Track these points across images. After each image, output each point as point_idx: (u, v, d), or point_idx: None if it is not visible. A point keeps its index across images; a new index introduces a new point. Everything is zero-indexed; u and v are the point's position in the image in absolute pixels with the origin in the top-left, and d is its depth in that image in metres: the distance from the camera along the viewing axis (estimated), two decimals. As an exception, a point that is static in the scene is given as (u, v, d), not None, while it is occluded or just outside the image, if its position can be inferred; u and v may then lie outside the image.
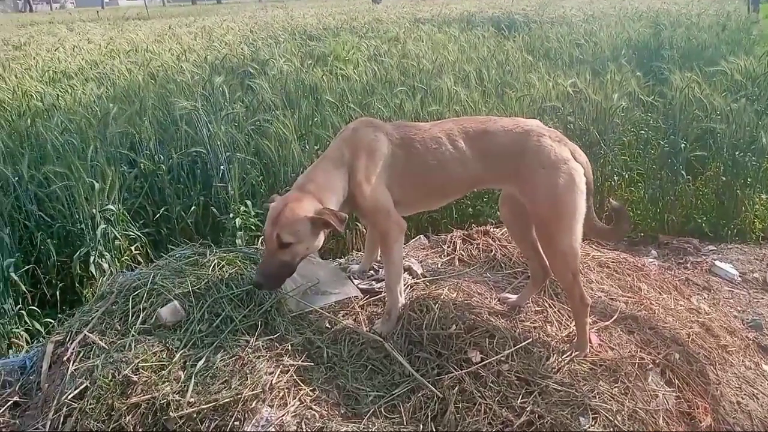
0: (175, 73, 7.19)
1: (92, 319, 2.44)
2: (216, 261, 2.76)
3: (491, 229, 3.46)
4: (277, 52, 8.50)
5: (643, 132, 6.03)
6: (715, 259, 4.78)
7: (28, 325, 3.76)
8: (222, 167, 4.82)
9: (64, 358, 2.30)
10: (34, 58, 9.59)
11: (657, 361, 2.65)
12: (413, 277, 2.99)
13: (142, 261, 4.48)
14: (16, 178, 4.32)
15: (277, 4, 29.29)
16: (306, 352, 2.46)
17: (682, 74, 6.41)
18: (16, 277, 3.75)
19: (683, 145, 5.48)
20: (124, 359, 2.26)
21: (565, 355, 2.51)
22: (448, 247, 3.35)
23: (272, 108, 5.74)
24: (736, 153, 5.42)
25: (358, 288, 2.94)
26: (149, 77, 7.17)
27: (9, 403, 2.33)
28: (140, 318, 2.42)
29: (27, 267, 4.03)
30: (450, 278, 2.98)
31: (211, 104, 5.66)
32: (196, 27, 14.41)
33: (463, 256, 3.26)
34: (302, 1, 36.22)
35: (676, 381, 2.62)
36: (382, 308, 2.76)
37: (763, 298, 4.23)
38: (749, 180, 5.39)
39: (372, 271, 3.09)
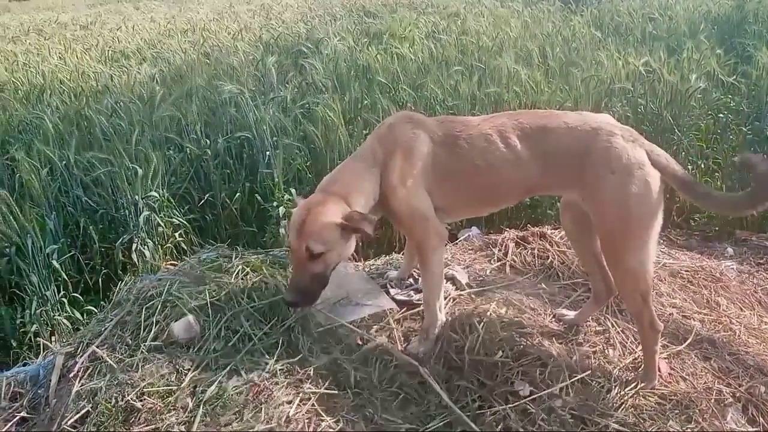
0: (229, 53, 7.08)
1: (104, 330, 2.31)
2: (240, 267, 2.57)
3: (548, 232, 3.13)
4: (332, 30, 8.26)
5: (722, 116, 5.48)
6: (803, 259, 4.31)
7: (69, 314, 3.71)
8: (268, 153, 4.66)
9: (71, 375, 2.17)
10: (96, 37, 9.71)
11: (738, 395, 2.31)
12: (457, 288, 2.72)
13: (186, 248, 4.40)
14: (63, 162, 4.30)
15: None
16: (331, 375, 2.23)
17: (768, 51, 5.80)
18: (57, 264, 3.71)
19: (768, 131, 4.95)
20: (129, 381, 2.09)
21: (629, 388, 2.20)
22: (499, 250, 3.04)
23: (322, 90, 5.54)
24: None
25: (394, 299, 2.70)
26: (203, 57, 7.08)
27: (16, 418, 2.22)
28: (152, 333, 2.26)
29: (72, 253, 4.01)
30: (499, 289, 2.69)
31: (261, 85, 5.52)
32: (256, 4, 14.31)
33: (515, 262, 2.96)
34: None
35: (761, 419, 2.27)
36: (421, 323, 2.50)
37: None
38: None
39: (411, 280, 2.84)
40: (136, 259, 4.04)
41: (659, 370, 2.30)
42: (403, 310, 2.64)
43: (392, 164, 2.38)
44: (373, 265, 3.14)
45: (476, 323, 2.37)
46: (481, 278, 2.82)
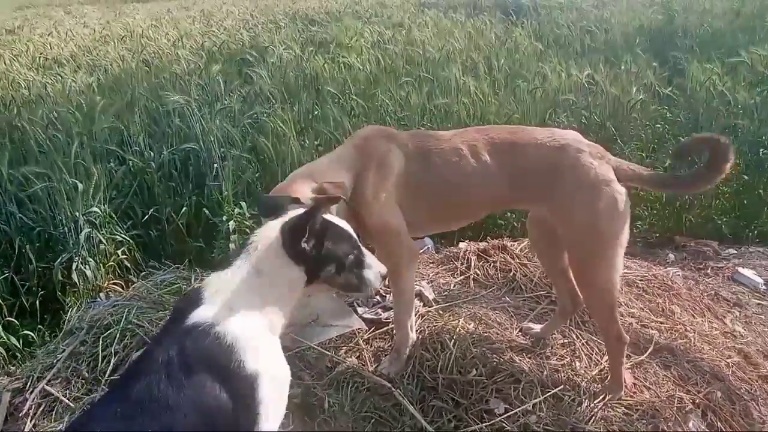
0: (170, 62, 6.86)
1: (56, 362, 2.14)
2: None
3: (508, 244, 3.15)
4: (277, 38, 8.14)
5: (659, 126, 5.71)
6: (736, 265, 4.53)
7: (4, 339, 3.47)
8: (215, 165, 4.51)
9: (21, 413, 2.00)
10: (26, 43, 9.22)
11: (697, 401, 2.37)
12: (424, 305, 2.69)
13: (130, 266, 4.21)
14: (-5, 178, 4.05)
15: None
16: (302, 402, 2.14)
17: (701, 65, 6.09)
18: (-12, 288, 3.48)
19: (705, 142, 5.16)
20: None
21: (597, 400, 2.22)
22: (461, 263, 3.04)
23: (270, 100, 5.44)
24: (760, 150, 5.13)
25: (362, 318, 2.64)
26: (143, 65, 6.83)
27: (-44, 465, 2.03)
28: (111, 364, 2.12)
29: (5, 274, 3.77)
30: (465, 304, 2.67)
31: (206, 95, 5.36)
32: (195, 10, 13.98)
33: (478, 275, 2.96)
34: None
35: (719, 424, 2.34)
36: (390, 342, 2.46)
37: (794, 312, 3.94)
38: (774, 180, 5.10)
39: (378, 297, 2.79)
40: (76, 279, 3.84)
41: (624, 381, 2.34)
42: (371, 330, 2.59)
43: (366, 176, 2.33)
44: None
45: (447, 341, 2.35)
46: (446, 293, 2.80)
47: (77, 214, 3.91)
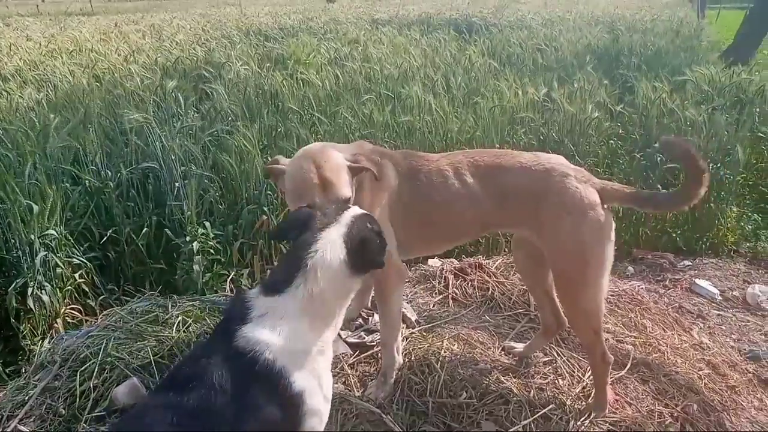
0: (123, 77, 6.66)
1: (29, 398, 2.00)
2: (180, 318, 2.35)
3: (484, 262, 3.16)
4: (234, 54, 8.02)
5: (612, 142, 5.89)
6: (693, 275, 4.69)
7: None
8: (177, 184, 4.38)
9: None
10: (-36, 56, 8.82)
11: (675, 415, 2.43)
12: (407, 326, 2.66)
13: (88, 290, 4.04)
14: (-59, 200, 3.81)
15: (228, 0, 28.43)
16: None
17: (649, 83, 6.32)
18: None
19: (659, 157, 5.35)
20: (71, 462, 1.82)
21: (583, 418, 2.24)
22: (439, 282, 3.03)
23: (231, 117, 5.34)
24: (710, 165, 5.33)
25: (345, 342, 2.59)
26: (94, 80, 6.61)
27: None
28: (91, 399, 2.00)
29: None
30: (447, 324, 2.66)
31: (163, 112, 5.21)
32: (144, 25, 13.67)
33: (457, 294, 2.96)
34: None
35: (696, 437, 2.39)
36: (376, 366, 2.42)
37: (749, 321, 4.11)
38: (722, 193, 5.31)
39: (360, 320, 2.74)
40: (32, 305, 3.65)
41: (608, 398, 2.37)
42: (356, 354, 2.54)
43: (363, 189, 2.29)
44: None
45: (434, 363, 2.33)
46: (427, 313, 2.78)
47: (32, 236, 3.73)
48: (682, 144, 2.36)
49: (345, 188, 2.06)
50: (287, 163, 2.17)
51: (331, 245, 1.62)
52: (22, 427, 1.90)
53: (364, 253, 1.62)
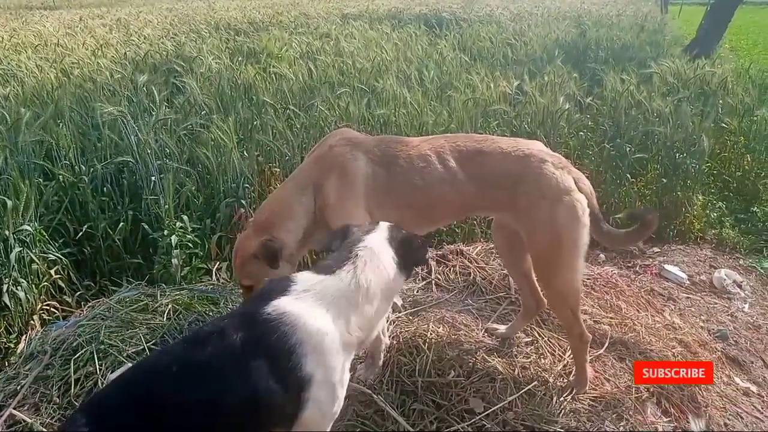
0: (92, 71, 6.56)
1: (21, 387, 1.99)
2: (170, 306, 2.36)
3: (465, 248, 3.23)
4: (205, 48, 7.96)
5: (581, 134, 6.02)
6: (662, 262, 4.83)
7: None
8: (152, 178, 4.35)
9: None
10: None
11: (651, 390, 2.52)
12: (394, 310, 2.72)
13: (64, 286, 3.99)
14: None
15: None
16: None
17: (617, 76, 6.47)
18: None
19: (628, 148, 5.49)
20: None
21: (566, 394, 2.33)
22: (422, 269, 3.09)
23: (205, 110, 5.31)
24: (676, 155, 5.49)
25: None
26: (62, 75, 6.49)
27: None
28: (86, 387, 2.00)
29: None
30: (431, 308, 2.73)
31: (135, 106, 5.16)
32: (110, 19, 13.43)
33: (440, 280, 3.02)
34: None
35: (672, 409, 2.51)
36: (364, 351, 2.46)
37: (717, 303, 4.26)
38: (689, 182, 5.47)
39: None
40: (8, 302, 3.60)
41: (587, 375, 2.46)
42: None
43: (328, 184, 2.37)
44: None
45: (422, 344, 2.38)
46: (411, 298, 2.84)
47: (6, 232, 3.67)
48: (645, 213, 2.61)
49: (245, 279, 2.32)
50: None
51: (378, 243, 1.68)
52: (18, 413, 1.88)
53: (410, 250, 1.66)
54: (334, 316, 1.57)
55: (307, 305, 1.54)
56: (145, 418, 1.39)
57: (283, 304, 1.53)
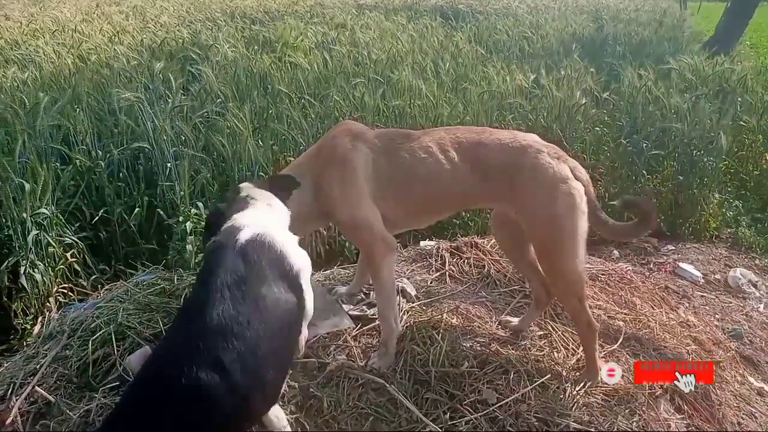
0: (109, 58, 6.59)
1: (40, 367, 2.01)
2: (188, 291, 2.37)
3: (479, 241, 3.22)
4: (221, 36, 7.96)
5: (597, 129, 5.97)
6: (676, 259, 4.80)
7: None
8: (168, 164, 4.37)
9: (8, 422, 1.86)
10: (-58, 35, 8.61)
11: (665, 386, 2.51)
12: (408, 301, 2.72)
13: (79, 269, 4.03)
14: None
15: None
16: (300, 402, 2.12)
17: (635, 71, 6.41)
18: None
19: (645, 144, 5.44)
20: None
21: (578, 387, 2.32)
22: (435, 260, 3.09)
23: (221, 99, 5.32)
24: (693, 152, 5.44)
25: (349, 315, 2.63)
26: (80, 61, 6.53)
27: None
28: (104, 368, 2.01)
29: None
30: (445, 299, 2.73)
31: (151, 93, 5.18)
32: (127, 6, 13.42)
33: (453, 272, 3.02)
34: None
35: (685, 407, 2.50)
36: (378, 338, 2.47)
37: (731, 302, 4.24)
38: (705, 180, 5.42)
39: (362, 294, 2.79)
40: (25, 284, 3.64)
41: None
42: (358, 326, 2.60)
43: (329, 175, 2.40)
44: (318, 280, 3.04)
45: (435, 335, 2.39)
46: (425, 289, 2.84)
47: (24, 215, 3.70)
48: (642, 202, 2.65)
49: None
50: None
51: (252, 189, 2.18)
52: (39, 389, 1.91)
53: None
54: (276, 224, 1.97)
55: (262, 226, 1.85)
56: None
57: (250, 231, 1.81)
